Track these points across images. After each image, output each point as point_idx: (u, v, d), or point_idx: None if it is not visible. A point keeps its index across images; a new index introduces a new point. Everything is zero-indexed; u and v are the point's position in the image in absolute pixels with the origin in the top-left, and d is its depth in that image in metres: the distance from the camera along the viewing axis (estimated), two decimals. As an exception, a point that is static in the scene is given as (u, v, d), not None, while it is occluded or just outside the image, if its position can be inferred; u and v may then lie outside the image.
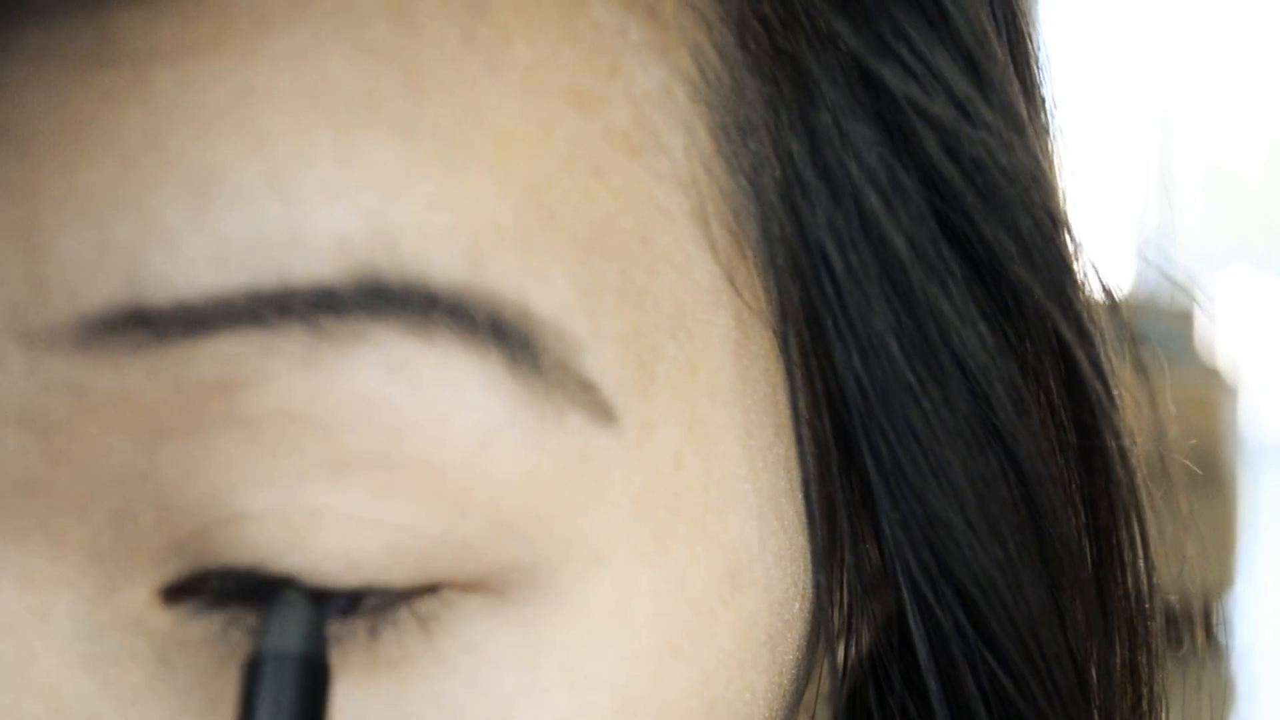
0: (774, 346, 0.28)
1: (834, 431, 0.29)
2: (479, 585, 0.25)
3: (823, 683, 0.31)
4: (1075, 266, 0.30)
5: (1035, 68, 0.32)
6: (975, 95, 0.28)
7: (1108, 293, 0.32)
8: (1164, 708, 0.34)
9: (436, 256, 0.24)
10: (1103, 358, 0.31)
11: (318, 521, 0.24)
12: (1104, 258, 0.32)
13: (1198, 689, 0.38)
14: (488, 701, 0.25)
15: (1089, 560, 0.31)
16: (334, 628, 0.25)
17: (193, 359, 0.23)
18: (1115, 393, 0.31)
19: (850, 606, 0.30)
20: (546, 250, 0.25)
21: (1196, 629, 0.39)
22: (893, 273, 0.28)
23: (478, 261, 0.24)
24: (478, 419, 0.24)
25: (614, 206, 0.25)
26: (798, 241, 0.28)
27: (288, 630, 0.24)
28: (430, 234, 0.24)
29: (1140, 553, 0.32)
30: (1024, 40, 0.32)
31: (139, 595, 0.25)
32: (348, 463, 0.24)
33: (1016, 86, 0.30)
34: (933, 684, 0.29)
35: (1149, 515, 0.32)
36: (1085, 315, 0.30)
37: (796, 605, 0.29)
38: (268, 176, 0.23)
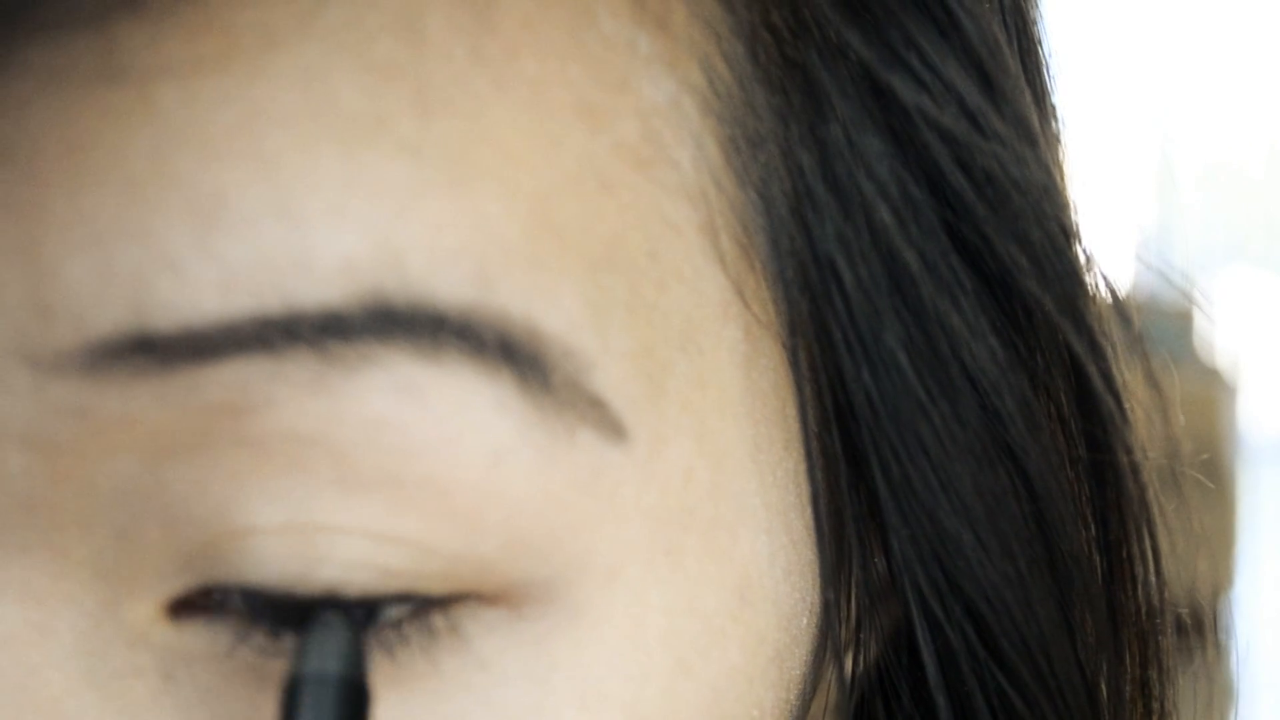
0: (783, 360, 0.28)
1: (843, 445, 0.28)
2: (501, 598, 0.25)
3: (830, 696, 0.31)
4: (1087, 279, 0.30)
5: (1046, 75, 0.32)
6: (987, 106, 0.28)
7: (1117, 301, 0.32)
8: (1175, 722, 0.34)
9: (444, 277, 0.23)
10: (1115, 371, 0.30)
11: (331, 536, 0.24)
12: (1104, 258, 0.31)
13: (1197, 689, 0.38)
14: None
15: (1100, 575, 0.31)
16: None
17: (200, 384, 0.23)
18: (1127, 406, 0.31)
19: (858, 620, 0.30)
20: (555, 268, 0.24)
21: (1197, 629, 0.39)
22: (903, 286, 0.28)
23: (485, 281, 0.24)
24: (488, 439, 0.24)
25: (622, 222, 0.25)
26: (807, 254, 0.27)
27: (327, 652, 0.23)
28: (437, 254, 0.23)
29: (1151, 566, 0.32)
30: (1035, 48, 0.32)
31: (144, 610, 0.24)
32: (359, 482, 0.24)
33: (1028, 96, 0.30)
34: (941, 701, 0.29)
35: (1159, 527, 0.32)
36: (1097, 329, 0.30)
37: (805, 620, 0.29)
38: (273, 200, 0.23)
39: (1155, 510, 0.32)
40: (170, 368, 0.23)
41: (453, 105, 0.24)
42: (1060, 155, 0.32)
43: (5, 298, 0.23)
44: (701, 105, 0.26)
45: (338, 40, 0.23)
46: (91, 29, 0.23)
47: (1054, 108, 0.33)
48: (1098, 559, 0.31)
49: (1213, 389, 2.17)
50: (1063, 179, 0.31)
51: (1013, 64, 0.29)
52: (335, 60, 0.23)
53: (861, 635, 0.30)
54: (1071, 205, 0.30)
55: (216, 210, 0.23)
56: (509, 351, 0.24)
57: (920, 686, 0.30)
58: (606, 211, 0.25)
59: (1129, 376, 0.31)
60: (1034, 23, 0.32)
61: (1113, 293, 0.32)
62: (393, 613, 0.24)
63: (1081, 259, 0.30)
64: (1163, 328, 0.37)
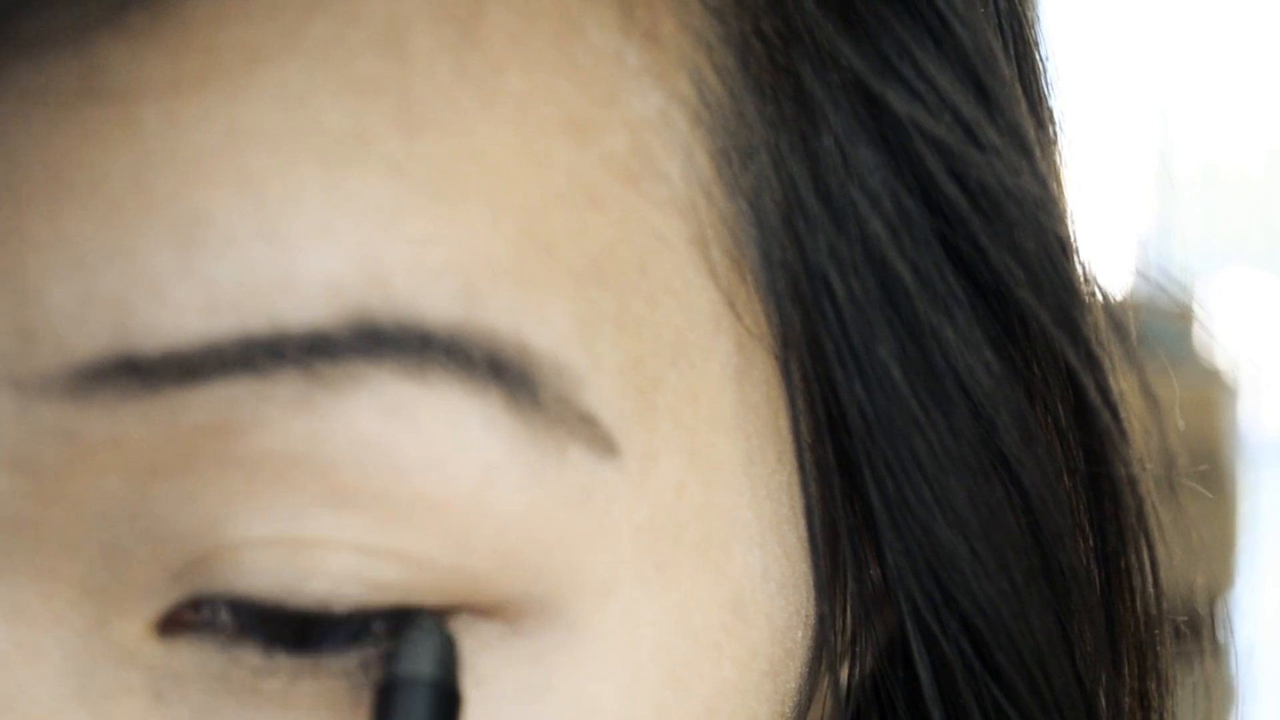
0: (775, 372, 0.28)
1: (836, 458, 0.28)
2: (496, 612, 0.25)
3: (826, 708, 0.31)
4: (1083, 291, 0.30)
5: (1043, 79, 0.32)
6: (981, 117, 0.28)
7: (1112, 310, 0.31)
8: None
9: (430, 295, 0.23)
10: (1112, 382, 0.30)
11: (320, 550, 0.23)
12: (1104, 258, 0.31)
13: (1197, 699, 0.38)
14: None
15: (1097, 586, 0.31)
16: (335, 661, 0.24)
17: (185, 405, 0.23)
18: (1124, 418, 0.30)
19: (853, 632, 0.30)
20: (543, 284, 0.24)
21: (1196, 635, 0.39)
22: (896, 298, 0.28)
23: (473, 298, 0.24)
24: (478, 458, 0.24)
25: (611, 236, 0.25)
26: (799, 266, 0.27)
27: (420, 655, 0.24)
28: (423, 273, 0.23)
29: (1149, 577, 0.32)
30: (1031, 53, 0.31)
31: (133, 628, 0.24)
32: (348, 498, 0.23)
33: (1023, 105, 0.29)
34: (937, 714, 0.29)
35: (1157, 537, 0.32)
36: (1094, 340, 0.30)
37: (799, 633, 0.28)
38: (256, 219, 0.23)
39: (1153, 521, 0.32)
40: (155, 389, 0.23)
41: (437, 122, 0.24)
42: (1057, 162, 0.32)
43: None
44: (691, 117, 0.26)
45: (320, 58, 0.23)
46: (71, 48, 0.23)
47: (1051, 112, 0.32)
48: (1095, 571, 0.31)
49: (1212, 390, 2.17)
50: (1059, 187, 0.31)
51: (1008, 72, 0.29)
52: (318, 78, 0.23)
53: (856, 647, 0.30)
54: (1068, 215, 0.30)
55: (199, 231, 0.23)
56: (498, 369, 0.24)
57: (916, 699, 0.30)
58: (595, 226, 0.25)
59: (1126, 385, 0.31)
60: (1030, 25, 0.32)
61: (1109, 302, 0.31)
62: (386, 626, 0.24)
63: (1078, 269, 0.30)
64: (1162, 328, 0.36)
